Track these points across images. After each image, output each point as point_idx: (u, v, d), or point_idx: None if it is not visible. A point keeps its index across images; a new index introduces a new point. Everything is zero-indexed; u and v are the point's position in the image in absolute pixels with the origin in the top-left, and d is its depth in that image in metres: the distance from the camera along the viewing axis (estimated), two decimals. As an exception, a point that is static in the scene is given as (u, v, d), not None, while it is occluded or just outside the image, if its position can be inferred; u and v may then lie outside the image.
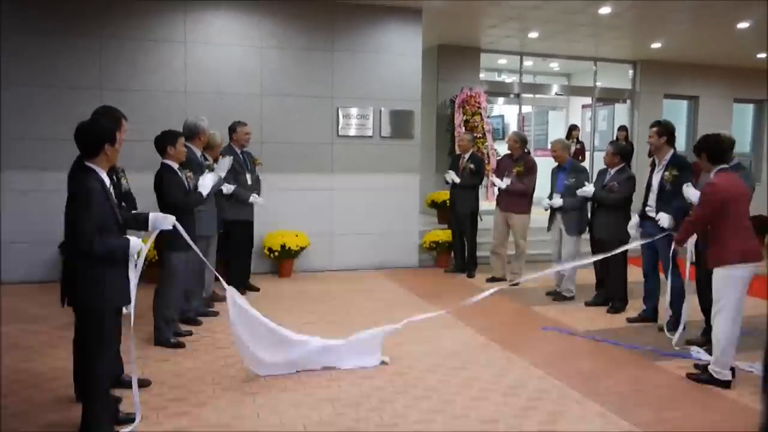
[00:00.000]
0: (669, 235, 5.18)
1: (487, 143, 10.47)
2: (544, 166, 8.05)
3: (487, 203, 9.71)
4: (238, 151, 6.57)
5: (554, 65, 13.04)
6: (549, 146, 8.35)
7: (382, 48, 8.40)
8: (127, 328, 3.48)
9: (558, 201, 6.66)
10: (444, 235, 8.51)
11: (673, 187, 5.36)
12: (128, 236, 3.37)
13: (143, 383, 4.07)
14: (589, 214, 6.60)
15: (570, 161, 6.83)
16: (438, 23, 9.21)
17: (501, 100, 13.09)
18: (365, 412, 3.83)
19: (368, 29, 8.32)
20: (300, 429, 3.59)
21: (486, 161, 9.75)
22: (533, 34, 10.09)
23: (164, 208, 4.69)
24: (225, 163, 5.80)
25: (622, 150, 6.31)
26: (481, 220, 8.08)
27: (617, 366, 4.75)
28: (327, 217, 8.31)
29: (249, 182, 6.62)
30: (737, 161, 5.14)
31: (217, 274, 4.49)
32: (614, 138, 10.90)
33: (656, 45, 10.90)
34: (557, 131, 13.22)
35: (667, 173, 5.46)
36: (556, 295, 6.84)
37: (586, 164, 11.31)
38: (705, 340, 5.01)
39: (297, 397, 4.04)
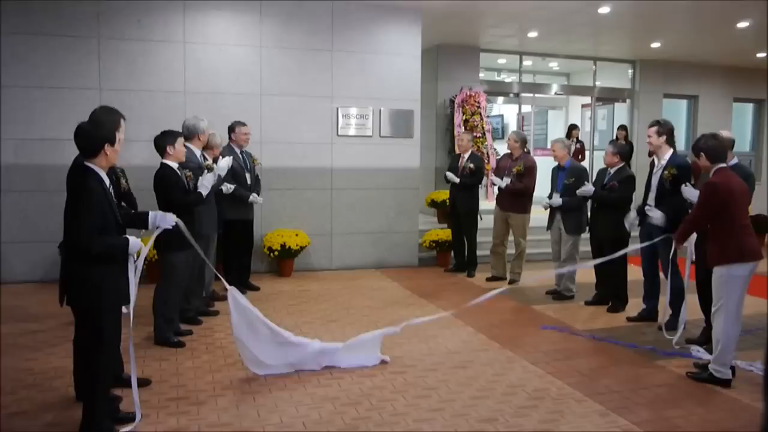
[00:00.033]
0: (668, 234, 5.18)
1: (486, 143, 10.49)
2: (544, 165, 8.06)
3: (486, 202, 9.72)
4: (238, 151, 6.57)
5: (554, 65, 13.05)
6: (549, 146, 8.36)
7: (382, 48, 8.41)
8: (126, 327, 3.49)
9: (557, 200, 6.66)
10: (444, 234, 8.52)
11: (672, 186, 5.36)
12: (127, 236, 3.38)
13: (144, 382, 4.08)
14: (588, 214, 6.61)
15: (570, 161, 6.83)
16: (437, 23, 9.21)
17: (500, 99, 13.12)
18: (365, 410, 3.84)
19: (368, 29, 8.33)
20: (300, 428, 3.59)
21: (486, 161, 9.76)
22: (533, 34, 10.09)
23: (164, 207, 4.69)
24: (224, 162, 5.80)
25: (621, 149, 6.31)
26: (481, 219, 8.08)
27: (617, 365, 4.75)
28: (327, 217, 8.32)
29: (248, 182, 6.63)
30: (737, 161, 5.14)
31: (217, 273, 4.50)
32: (614, 137, 10.92)
33: (656, 44, 10.90)
34: (557, 131, 13.23)
35: (666, 172, 5.46)
36: (556, 294, 6.84)
37: (585, 164, 11.33)
38: (705, 339, 5.01)
39: (297, 395, 4.05)
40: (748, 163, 12.41)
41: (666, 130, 5.58)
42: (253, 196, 6.61)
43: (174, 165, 4.96)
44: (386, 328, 4.77)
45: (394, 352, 4.79)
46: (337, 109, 8.23)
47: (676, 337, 5.13)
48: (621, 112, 12.85)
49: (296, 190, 8.13)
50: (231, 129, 6.62)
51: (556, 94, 12.71)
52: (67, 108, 7.01)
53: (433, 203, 9.92)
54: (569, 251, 6.67)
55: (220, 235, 6.20)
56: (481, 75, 11.44)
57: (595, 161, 12.23)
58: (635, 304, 6.14)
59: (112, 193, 3.43)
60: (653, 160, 5.77)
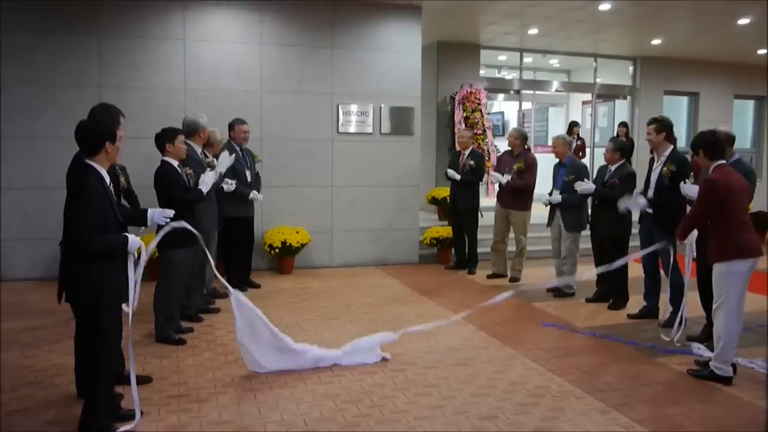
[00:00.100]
0: (669, 234, 5.17)
1: (487, 140, 10.48)
2: (545, 162, 8.05)
3: (487, 200, 9.72)
4: (238, 149, 6.56)
5: (554, 62, 13.03)
6: (550, 142, 8.35)
7: (382, 45, 8.39)
8: (126, 325, 3.49)
9: (557, 197, 6.65)
10: (445, 231, 8.52)
11: (671, 182, 5.36)
12: (127, 234, 3.37)
13: (144, 380, 4.09)
14: (589, 211, 6.60)
15: (570, 158, 6.82)
16: (437, 20, 9.20)
17: (501, 96, 13.10)
18: (366, 408, 3.84)
19: (368, 26, 8.31)
20: (301, 425, 3.59)
21: (486, 158, 9.75)
22: (533, 31, 10.07)
23: (164, 205, 4.68)
24: (225, 158, 5.80)
25: (622, 146, 6.30)
26: (482, 216, 8.08)
27: (618, 362, 4.75)
28: (327, 214, 8.32)
29: (249, 179, 6.63)
30: (738, 157, 5.14)
31: (218, 276, 4.46)
32: (615, 134, 10.91)
33: (656, 41, 10.88)
34: (557, 128, 13.22)
35: (665, 169, 5.46)
36: (557, 292, 6.84)
37: (586, 161, 11.32)
38: (706, 337, 5.01)
39: (298, 393, 4.05)
40: (749, 159, 12.42)
41: (665, 127, 5.57)
42: (253, 194, 6.60)
43: (174, 162, 4.95)
44: (384, 333, 4.76)
45: (394, 350, 4.79)
46: (338, 106, 8.22)
47: (677, 335, 5.11)
48: (622, 109, 12.84)
49: (297, 187, 8.12)
50: (231, 126, 6.62)
51: (556, 91, 12.70)
52: (67, 105, 6.99)
53: (433, 200, 9.92)
54: (569, 248, 6.67)
55: (221, 232, 6.20)
56: (482, 72, 11.43)
57: (596, 158, 12.21)
58: (636, 302, 6.13)
59: (112, 191, 3.43)
60: (653, 156, 5.76)
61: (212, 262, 4.56)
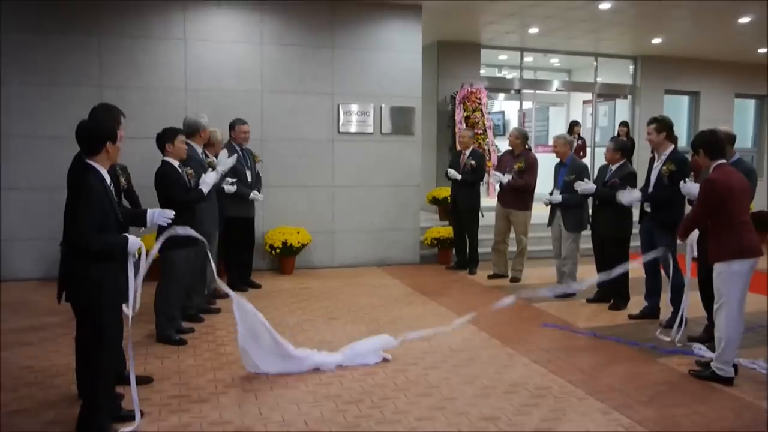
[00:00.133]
0: (669, 234, 5.17)
1: (487, 139, 10.47)
2: (545, 162, 8.04)
3: (488, 200, 9.71)
4: (239, 149, 6.56)
5: (555, 61, 13.02)
6: (551, 142, 8.33)
7: (383, 45, 8.39)
8: (126, 326, 3.48)
9: (557, 197, 6.64)
10: (445, 231, 8.51)
11: (670, 181, 5.35)
12: (127, 234, 3.37)
13: (145, 380, 4.08)
14: (590, 211, 6.59)
15: (571, 157, 6.81)
16: (438, 20, 9.20)
17: (501, 96, 13.10)
18: (367, 408, 3.83)
19: (369, 26, 8.30)
20: (302, 425, 3.59)
21: (487, 158, 9.74)
22: (533, 30, 10.07)
23: (165, 205, 4.68)
24: (224, 157, 5.79)
25: (622, 146, 6.29)
26: (483, 216, 8.07)
27: (619, 363, 4.74)
28: (328, 214, 8.31)
29: (249, 179, 6.62)
30: (739, 156, 5.13)
31: (219, 280, 4.45)
32: (615, 134, 10.90)
33: (657, 40, 10.88)
34: (558, 127, 13.21)
35: (664, 168, 5.45)
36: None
37: (587, 160, 11.31)
38: (707, 337, 5.00)
39: (299, 393, 4.04)
40: (750, 159, 12.40)
41: (665, 127, 5.57)
42: (254, 194, 6.60)
43: (175, 162, 4.95)
44: (384, 336, 4.75)
45: (395, 350, 4.77)
46: (338, 106, 8.21)
47: (678, 335, 5.10)
48: (622, 109, 12.83)
49: (297, 188, 8.12)
50: (231, 126, 6.62)
51: (557, 90, 12.70)
52: (67, 105, 6.99)
53: (434, 200, 9.91)
54: (570, 248, 6.66)
55: (222, 232, 6.19)
56: (482, 71, 11.42)
57: (597, 158, 12.21)
58: (637, 302, 6.12)
59: (113, 191, 3.43)
60: (653, 155, 5.75)
61: (213, 265, 4.54)
